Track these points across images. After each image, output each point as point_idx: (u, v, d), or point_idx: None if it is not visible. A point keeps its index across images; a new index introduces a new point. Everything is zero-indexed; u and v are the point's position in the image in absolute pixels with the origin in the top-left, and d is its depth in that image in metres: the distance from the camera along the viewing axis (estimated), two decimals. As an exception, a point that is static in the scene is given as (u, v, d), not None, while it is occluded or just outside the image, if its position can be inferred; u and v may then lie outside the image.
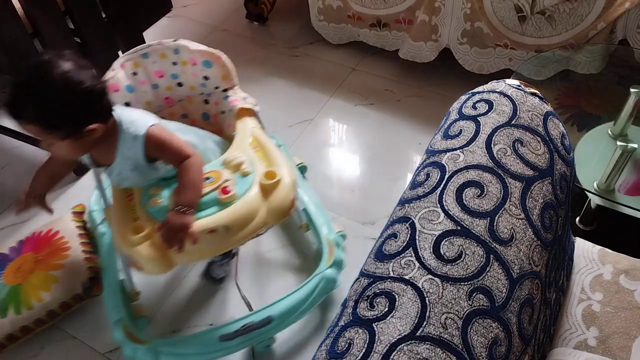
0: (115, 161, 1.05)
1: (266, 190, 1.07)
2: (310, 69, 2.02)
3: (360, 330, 0.54)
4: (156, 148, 1.04)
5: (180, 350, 1.15)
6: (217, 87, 1.31)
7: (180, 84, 1.32)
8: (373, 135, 1.77)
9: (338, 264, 1.28)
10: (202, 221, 1.01)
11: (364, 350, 0.51)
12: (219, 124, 1.36)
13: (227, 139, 1.29)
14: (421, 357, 0.52)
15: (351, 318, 0.55)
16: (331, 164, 1.71)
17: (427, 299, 0.57)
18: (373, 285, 0.60)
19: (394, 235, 0.66)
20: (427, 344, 0.54)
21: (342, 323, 0.55)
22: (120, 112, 1.04)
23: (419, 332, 0.54)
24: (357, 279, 0.64)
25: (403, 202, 0.72)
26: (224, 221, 1.02)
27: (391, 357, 0.52)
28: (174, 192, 1.06)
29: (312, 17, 2.02)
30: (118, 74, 1.22)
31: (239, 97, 1.28)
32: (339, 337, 0.53)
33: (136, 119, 1.04)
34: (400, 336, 0.54)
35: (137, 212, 1.09)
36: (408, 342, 0.54)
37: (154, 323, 1.33)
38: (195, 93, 1.34)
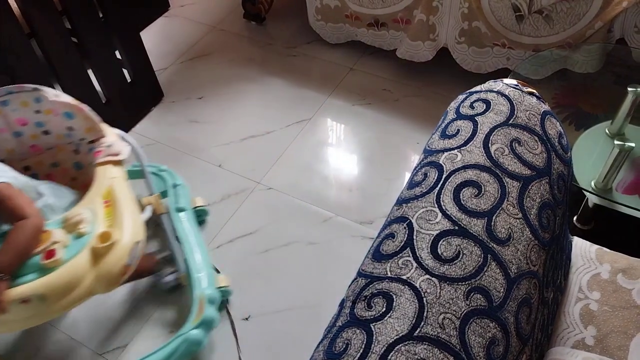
0: None
1: (97, 255, 1.01)
2: (308, 69, 2.02)
3: (357, 331, 0.53)
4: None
5: None
6: (82, 139, 1.26)
7: (46, 132, 1.25)
8: (370, 134, 1.77)
9: (207, 324, 1.22)
10: (16, 289, 0.94)
11: (361, 351, 0.51)
12: (91, 174, 1.27)
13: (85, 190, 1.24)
14: (419, 358, 0.52)
15: (348, 318, 0.55)
16: (329, 163, 1.71)
17: (424, 299, 0.57)
18: (370, 286, 0.60)
19: (392, 235, 0.65)
20: (425, 344, 0.54)
21: (339, 323, 0.55)
22: None
23: (416, 332, 0.54)
24: (355, 279, 0.63)
25: (400, 201, 0.71)
26: (40, 290, 0.95)
27: (389, 357, 0.52)
28: None
29: (309, 17, 2.02)
30: None
31: (103, 149, 1.21)
32: (336, 337, 0.53)
33: None
34: (397, 336, 0.54)
35: None
36: (406, 343, 0.53)
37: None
38: (64, 142, 1.28)
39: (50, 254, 0.97)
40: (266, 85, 1.97)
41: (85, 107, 1.19)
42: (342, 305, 0.57)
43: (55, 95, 1.17)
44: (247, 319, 1.34)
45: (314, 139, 1.77)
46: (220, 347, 1.30)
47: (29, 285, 0.94)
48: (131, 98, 1.81)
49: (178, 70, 2.06)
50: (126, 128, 1.80)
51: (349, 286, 0.60)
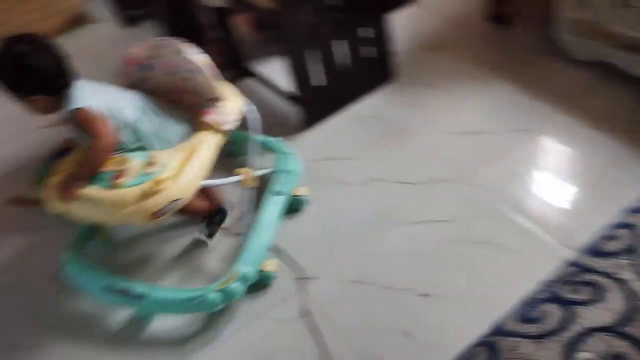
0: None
1: (144, 194, 1.22)
2: (541, 80, 1.95)
3: (558, 308, 0.56)
4: (79, 123, 1.30)
5: (75, 269, 1.45)
6: (202, 94, 1.44)
7: (186, 79, 1.44)
8: (597, 161, 1.64)
9: (226, 295, 1.34)
10: (87, 189, 1.24)
11: (556, 325, 0.53)
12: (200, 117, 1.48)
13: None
14: (617, 352, 0.53)
15: (551, 296, 0.57)
16: (543, 176, 1.64)
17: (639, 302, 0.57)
18: (581, 275, 0.61)
19: (614, 237, 0.65)
20: (628, 342, 0.54)
21: (540, 297, 0.58)
22: (76, 90, 1.30)
23: (622, 328, 0.54)
24: (565, 265, 0.65)
25: (629, 210, 0.69)
26: (98, 196, 1.24)
27: (586, 340, 0.53)
28: (80, 161, 1.32)
29: (557, 28, 1.95)
30: (139, 52, 1.43)
31: (212, 111, 1.42)
32: (533, 308, 0.56)
33: (73, 99, 1.29)
34: (601, 325, 0.55)
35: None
36: (608, 333, 0.54)
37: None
38: (197, 89, 1.46)
39: (118, 176, 1.26)
40: (494, 88, 1.97)
41: (208, 72, 1.39)
42: (546, 284, 0.60)
43: (191, 54, 1.37)
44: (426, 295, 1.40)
45: (533, 150, 1.73)
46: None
47: (94, 189, 1.25)
48: (369, 73, 1.99)
49: (412, 56, 2.18)
50: (355, 98, 2.00)
51: (558, 271, 0.61)
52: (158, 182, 1.24)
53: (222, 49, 2.12)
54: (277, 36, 1.86)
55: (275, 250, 1.55)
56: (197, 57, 1.39)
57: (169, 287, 1.44)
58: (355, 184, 1.72)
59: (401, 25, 2.30)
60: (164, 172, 1.27)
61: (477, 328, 1.21)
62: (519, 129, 1.80)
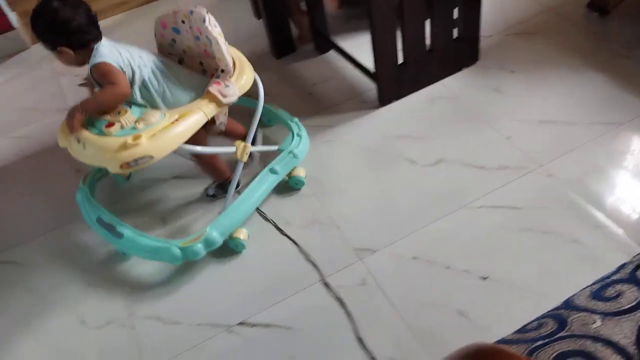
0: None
1: (122, 145, 1.32)
2: (636, 74, 1.84)
3: (633, 288, 0.56)
4: (98, 77, 1.41)
5: (82, 197, 1.64)
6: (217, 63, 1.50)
7: (208, 47, 1.48)
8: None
9: (186, 253, 1.47)
10: (82, 132, 1.37)
11: (633, 304, 0.53)
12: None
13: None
14: None
15: (627, 277, 0.57)
16: (627, 174, 1.57)
17: None
18: None
19: None
20: None
21: (615, 277, 0.58)
22: (100, 46, 1.41)
23: None
24: None
25: None
26: (88, 139, 1.36)
27: None
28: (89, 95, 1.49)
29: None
30: (170, 16, 1.50)
31: (219, 82, 1.46)
32: (608, 286, 0.57)
33: (97, 54, 1.40)
34: None
35: None
36: None
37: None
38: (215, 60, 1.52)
39: (110, 125, 1.37)
40: (583, 78, 1.87)
41: (222, 44, 1.44)
42: (622, 266, 0.59)
43: (210, 25, 1.42)
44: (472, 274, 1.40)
45: (616, 146, 1.64)
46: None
47: (86, 133, 1.37)
48: (451, 53, 1.95)
49: (500, 40, 2.11)
50: (435, 79, 1.97)
51: (636, 255, 0.61)
52: (136, 137, 1.33)
53: (307, 21, 2.18)
54: (361, 12, 1.88)
55: (331, 222, 1.60)
56: (213, 28, 1.44)
57: (147, 234, 1.53)
58: (424, 164, 1.71)
59: (493, 8, 2.24)
60: (149, 130, 1.36)
61: (532, 315, 1.19)
62: (604, 122, 1.71)
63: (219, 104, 1.45)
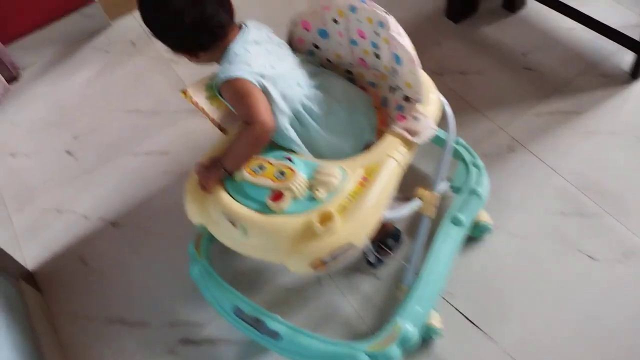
0: None
1: (307, 231, 0.88)
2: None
3: None
4: (228, 99, 1.02)
5: (205, 282, 1.13)
6: (399, 87, 1.07)
7: (377, 56, 1.11)
8: None
9: (383, 358, 1.01)
10: (232, 205, 0.94)
11: None
12: (389, 121, 1.11)
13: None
14: None
15: None
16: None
17: None
18: None
19: None
20: None
21: None
22: (236, 48, 1.02)
23: None
24: None
25: None
26: (247, 221, 0.92)
27: None
28: (225, 147, 1.02)
29: None
30: (316, 14, 1.11)
31: (408, 116, 1.02)
32: None
33: (231, 64, 1.00)
34: None
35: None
36: None
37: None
38: (387, 75, 1.13)
39: (278, 197, 0.92)
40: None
41: (417, 64, 0.99)
42: None
43: (398, 33, 0.99)
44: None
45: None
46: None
47: (242, 210, 0.93)
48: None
49: None
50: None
51: None
52: (326, 217, 0.88)
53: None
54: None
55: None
56: (407, 41, 1.00)
57: (307, 330, 1.06)
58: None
59: None
60: (333, 200, 0.92)
61: None
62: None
63: (409, 145, 1.00)
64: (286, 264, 0.91)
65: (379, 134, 1.08)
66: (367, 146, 1.05)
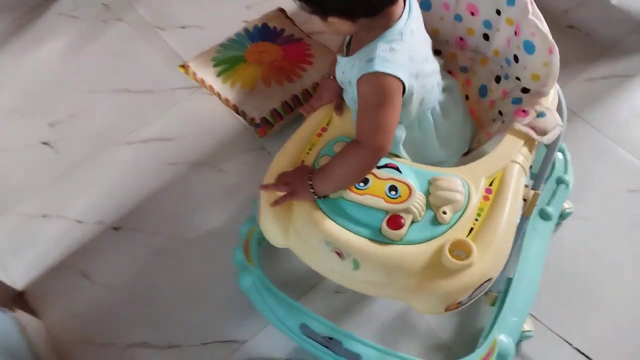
0: (348, 58, 0.82)
1: (437, 267, 0.74)
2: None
3: None
4: (364, 93, 0.78)
5: (261, 296, 0.98)
6: (518, 79, 0.92)
7: (486, 37, 0.96)
8: None
9: None
10: (341, 232, 0.76)
11: None
12: (486, 114, 0.97)
13: (476, 143, 0.95)
14: None
15: None
16: None
17: None
18: None
19: None
20: None
21: None
22: (404, 27, 0.77)
23: None
24: None
25: None
26: (357, 252, 0.75)
27: None
28: (322, 162, 0.83)
29: None
30: None
31: (530, 111, 0.86)
32: None
33: (394, 52, 0.76)
34: None
35: (312, 151, 0.86)
36: None
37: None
38: (496, 61, 0.97)
39: (396, 222, 0.75)
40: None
41: (556, 54, 0.84)
42: None
43: (536, 15, 0.83)
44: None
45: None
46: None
47: (353, 239, 0.76)
48: None
49: None
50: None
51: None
52: (461, 246, 0.74)
53: None
54: None
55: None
56: (542, 23, 0.84)
57: (392, 350, 0.94)
58: None
59: None
60: (462, 223, 0.77)
61: None
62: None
63: (531, 145, 0.86)
64: (411, 303, 0.77)
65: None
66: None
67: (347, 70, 0.83)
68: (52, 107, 1.44)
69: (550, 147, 0.97)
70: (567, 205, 1.11)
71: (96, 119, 1.41)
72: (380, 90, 0.76)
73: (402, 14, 0.78)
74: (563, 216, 1.11)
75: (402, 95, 0.78)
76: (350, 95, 0.86)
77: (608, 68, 1.34)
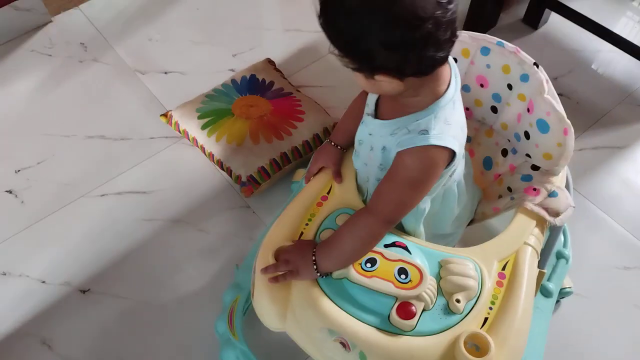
0: (384, 122, 0.75)
1: (452, 359, 0.69)
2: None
3: None
4: (405, 167, 0.71)
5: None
6: (528, 155, 0.91)
7: (494, 110, 0.94)
8: None
9: None
10: (345, 320, 0.70)
11: None
12: (491, 187, 0.95)
13: (481, 215, 0.92)
14: None
15: None
16: None
17: None
18: None
19: None
20: None
21: None
22: (454, 94, 0.72)
23: None
24: None
25: None
26: (364, 344, 0.69)
27: None
28: (324, 236, 0.77)
29: None
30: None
31: (542, 190, 0.84)
32: None
33: (448, 123, 0.71)
34: None
35: (312, 223, 0.80)
36: None
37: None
38: (503, 134, 0.95)
39: (406, 310, 0.70)
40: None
41: (571, 135, 0.82)
42: None
43: (551, 94, 0.82)
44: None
45: None
46: None
47: (359, 328, 0.69)
48: None
49: None
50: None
51: None
52: (478, 341, 0.69)
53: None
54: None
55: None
56: (561, 108, 0.82)
57: None
58: None
59: None
60: (476, 313, 0.73)
61: None
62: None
63: (543, 226, 0.82)
64: None
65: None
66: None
67: (382, 135, 0.75)
68: (18, 151, 1.33)
69: (557, 227, 0.94)
70: (567, 283, 1.08)
71: (67, 167, 1.31)
72: (427, 165, 0.71)
73: (450, 78, 0.73)
74: (562, 294, 1.08)
75: (447, 167, 0.74)
76: (363, 160, 0.81)
77: (599, 138, 1.35)
